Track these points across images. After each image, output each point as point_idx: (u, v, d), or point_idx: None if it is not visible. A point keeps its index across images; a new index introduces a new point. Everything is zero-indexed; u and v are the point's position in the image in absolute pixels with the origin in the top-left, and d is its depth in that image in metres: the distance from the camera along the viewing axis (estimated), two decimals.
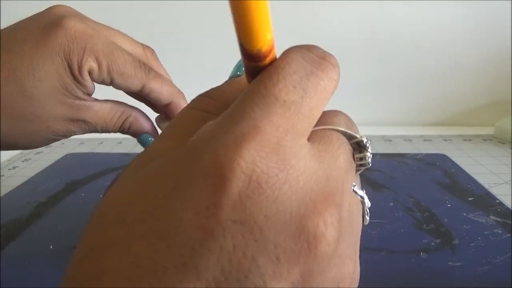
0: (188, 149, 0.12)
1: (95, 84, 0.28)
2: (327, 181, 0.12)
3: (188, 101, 0.17)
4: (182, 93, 0.31)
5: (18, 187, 0.46)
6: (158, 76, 0.29)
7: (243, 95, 0.13)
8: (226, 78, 0.19)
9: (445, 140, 0.63)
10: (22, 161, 0.56)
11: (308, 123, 0.13)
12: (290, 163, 0.12)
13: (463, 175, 0.48)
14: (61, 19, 0.25)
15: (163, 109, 0.31)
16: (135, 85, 0.27)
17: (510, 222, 0.37)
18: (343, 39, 0.69)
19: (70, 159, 0.56)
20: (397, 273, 0.30)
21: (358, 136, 0.15)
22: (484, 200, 0.41)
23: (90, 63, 0.25)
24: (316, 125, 0.14)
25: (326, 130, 0.14)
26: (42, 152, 0.60)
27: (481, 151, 0.57)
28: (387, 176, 0.47)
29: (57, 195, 0.43)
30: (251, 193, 0.11)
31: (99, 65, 0.25)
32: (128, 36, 0.30)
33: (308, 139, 0.13)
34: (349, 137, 0.15)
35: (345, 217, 0.13)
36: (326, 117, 0.15)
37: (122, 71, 0.26)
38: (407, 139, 0.64)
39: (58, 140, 0.28)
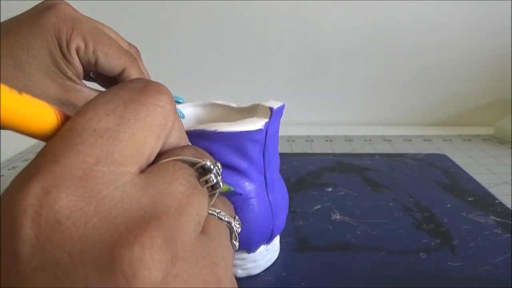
0: None
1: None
2: (152, 207, 0.12)
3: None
4: None
5: None
6: (139, 68, 0.30)
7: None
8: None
9: (445, 140, 0.63)
10: (22, 161, 0.57)
11: (131, 150, 0.12)
12: (102, 194, 0.11)
13: (463, 175, 0.48)
14: (54, 4, 0.27)
15: None
16: (118, 67, 0.29)
17: (510, 222, 0.37)
18: (343, 40, 0.69)
19: None
20: (397, 273, 0.30)
21: (200, 160, 0.14)
22: (484, 200, 0.41)
23: (78, 41, 0.27)
24: (158, 159, 0.14)
25: (163, 162, 0.14)
26: None
27: (481, 151, 0.57)
28: (387, 176, 0.47)
29: None
30: (50, 232, 0.10)
31: (86, 44, 0.27)
32: (116, 32, 0.31)
33: (144, 171, 0.13)
34: (192, 164, 0.14)
35: (187, 240, 0.12)
36: (171, 151, 0.15)
37: (107, 51, 0.28)
38: (407, 139, 0.64)
39: None
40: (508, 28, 0.66)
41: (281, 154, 0.57)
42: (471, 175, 0.48)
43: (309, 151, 0.58)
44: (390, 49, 0.70)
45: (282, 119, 0.27)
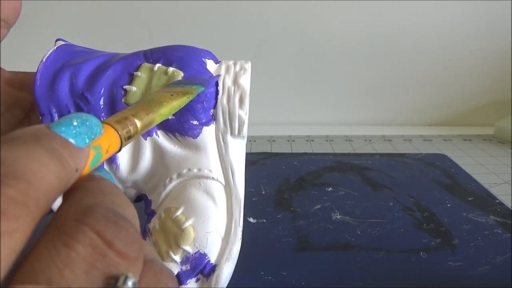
0: None
1: None
2: None
3: None
4: None
5: None
6: None
7: None
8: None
9: (445, 140, 0.63)
10: None
11: None
12: None
13: (463, 175, 0.48)
14: None
15: None
16: None
17: (510, 222, 0.37)
18: (344, 39, 0.69)
19: None
20: (397, 273, 0.30)
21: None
22: (484, 200, 0.41)
23: None
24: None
25: None
26: None
27: (481, 151, 0.57)
28: (387, 176, 0.47)
29: None
30: None
31: None
32: None
33: None
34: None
35: None
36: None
37: None
38: (407, 139, 0.64)
39: None
40: (508, 28, 0.66)
41: (281, 154, 0.57)
42: (471, 175, 0.48)
43: (309, 151, 0.58)
44: (390, 49, 0.69)
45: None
